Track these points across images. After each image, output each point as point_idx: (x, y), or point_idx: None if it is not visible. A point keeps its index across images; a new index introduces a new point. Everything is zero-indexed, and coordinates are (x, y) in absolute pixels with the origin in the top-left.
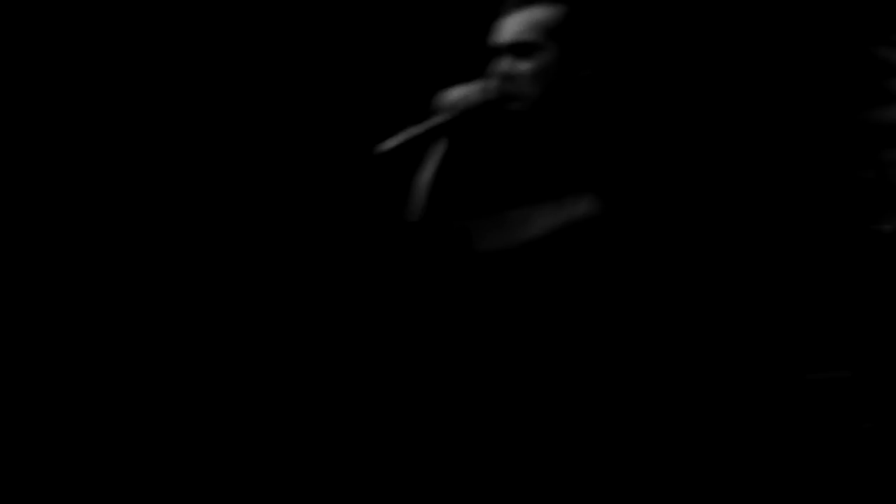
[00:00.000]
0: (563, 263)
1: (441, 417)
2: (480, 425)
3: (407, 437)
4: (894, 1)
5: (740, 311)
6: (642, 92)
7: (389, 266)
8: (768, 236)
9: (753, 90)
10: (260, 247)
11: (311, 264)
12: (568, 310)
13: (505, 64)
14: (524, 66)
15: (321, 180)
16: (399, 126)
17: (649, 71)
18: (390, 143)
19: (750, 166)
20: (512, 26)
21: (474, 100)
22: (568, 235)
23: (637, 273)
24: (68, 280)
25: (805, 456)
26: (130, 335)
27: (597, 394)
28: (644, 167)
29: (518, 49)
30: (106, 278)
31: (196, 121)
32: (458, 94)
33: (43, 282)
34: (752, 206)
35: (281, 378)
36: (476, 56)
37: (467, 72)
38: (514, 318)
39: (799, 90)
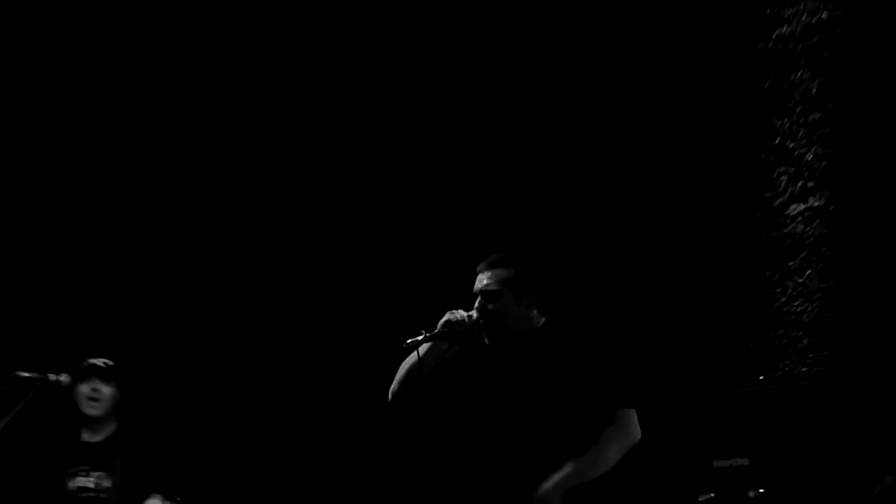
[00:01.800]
0: None
1: None
2: None
3: None
4: None
5: None
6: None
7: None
8: None
9: None
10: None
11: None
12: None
13: (480, 303)
14: (491, 304)
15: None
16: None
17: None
18: (414, 339)
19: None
20: (483, 280)
21: (466, 321)
22: None
23: None
24: None
25: None
26: None
27: None
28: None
29: (487, 294)
30: None
31: None
32: (458, 314)
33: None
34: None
35: None
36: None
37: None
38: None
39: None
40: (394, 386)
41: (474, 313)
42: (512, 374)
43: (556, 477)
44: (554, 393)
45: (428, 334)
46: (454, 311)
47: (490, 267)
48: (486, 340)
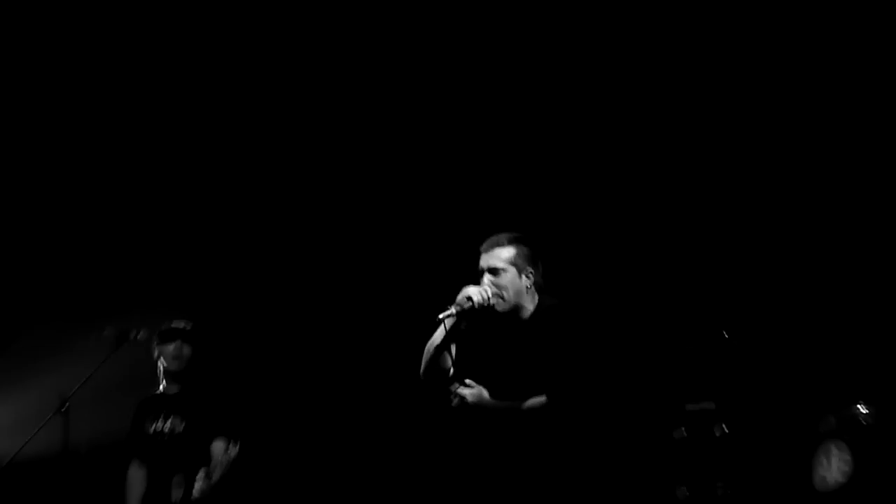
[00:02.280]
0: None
1: None
2: None
3: None
4: None
5: None
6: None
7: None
8: None
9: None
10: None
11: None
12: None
13: (487, 278)
14: (496, 279)
15: None
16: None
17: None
18: (447, 314)
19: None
20: (487, 258)
21: (480, 296)
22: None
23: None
24: None
25: None
26: None
27: None
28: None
29: (492, 271)
30: None
31: None
32: (472, 289)
33: None
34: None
35: None
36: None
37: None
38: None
39: None
40: (425, 362)
41: (487, 289)
42: (510, 350)
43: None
44: (537, 370)
45: (456, 310)
46: (469, 287)
47: (495, 246)
48: (496, 313)
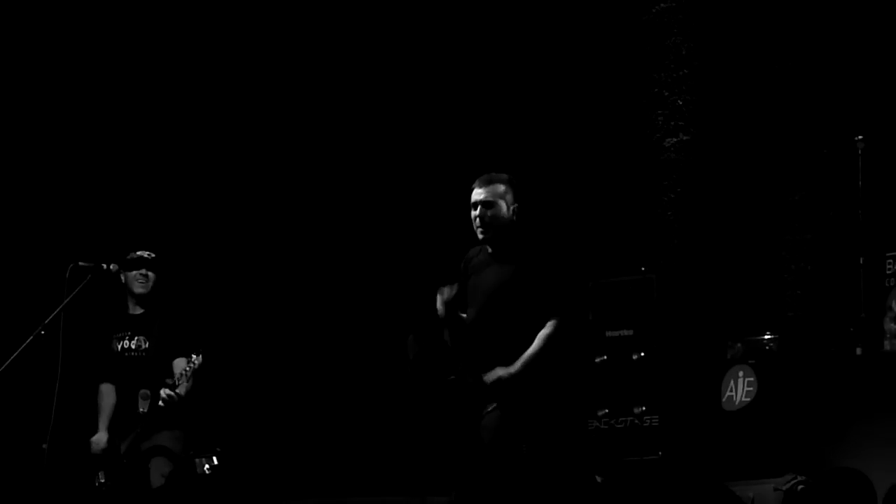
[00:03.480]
0: None
1: None
2: None
3: None
4: None
5: None
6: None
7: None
8: None
9: None
10: None
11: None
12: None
13: (480, 210)
14: (489, 211)
15: None
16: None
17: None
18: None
19: None
20: (479, 193)
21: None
22: None
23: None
24: None
25: None
26: None
27: None
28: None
29: (485, 203)
30: None
31: None
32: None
33: None
34: None
35: None
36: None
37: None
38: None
39: None
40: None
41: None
42: (493, 280)
43: (501, 371)
44: (515, 295)
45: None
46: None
47: (486, 183)
48: (483, 240)
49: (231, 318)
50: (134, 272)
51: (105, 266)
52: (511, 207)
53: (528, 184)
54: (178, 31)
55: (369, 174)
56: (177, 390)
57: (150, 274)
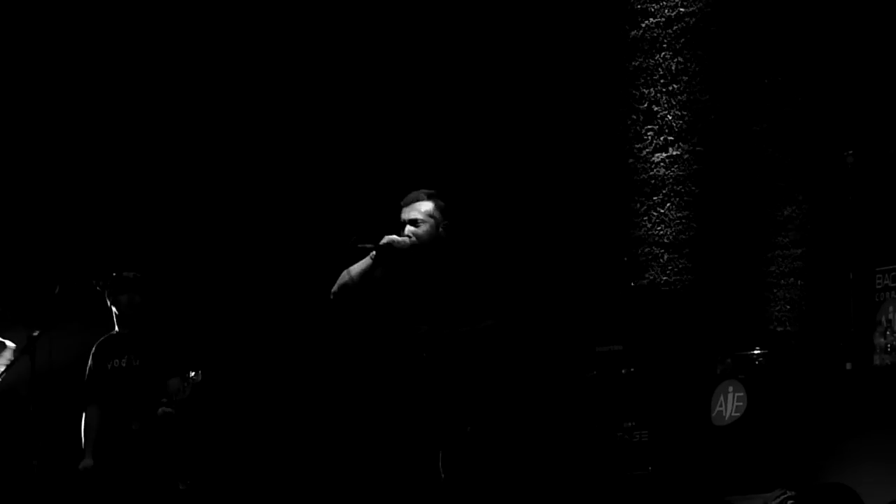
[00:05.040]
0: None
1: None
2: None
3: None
4: None
5: None
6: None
7: None
8: None
9: None
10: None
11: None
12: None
13: (408, 228)
14: (417, 229)
15: None
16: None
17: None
18: (364, 245)
19: None
20: (408, 211)
21: (400, 241)
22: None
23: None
24: None
25: None
26: None
27: None
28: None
29: (412, 221)
30: None
31: None
32: (392, 237)
33: None
34: None
35: None
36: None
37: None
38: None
39: None
40: (337, 287)
41: (407, 238)
42: (422, 289)
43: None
44: (445, 301)
45: (376, 246)
46: (391, 235)
47: (415, 201)
48: (413, 257)
49: (223, 334)
50: (122, 296)
51: (94, 283)
52: (441, 225)
53: (515, 197)
54: (168, 49)
55: (358, 193)
56: (175, 405)
57: (136, 297)
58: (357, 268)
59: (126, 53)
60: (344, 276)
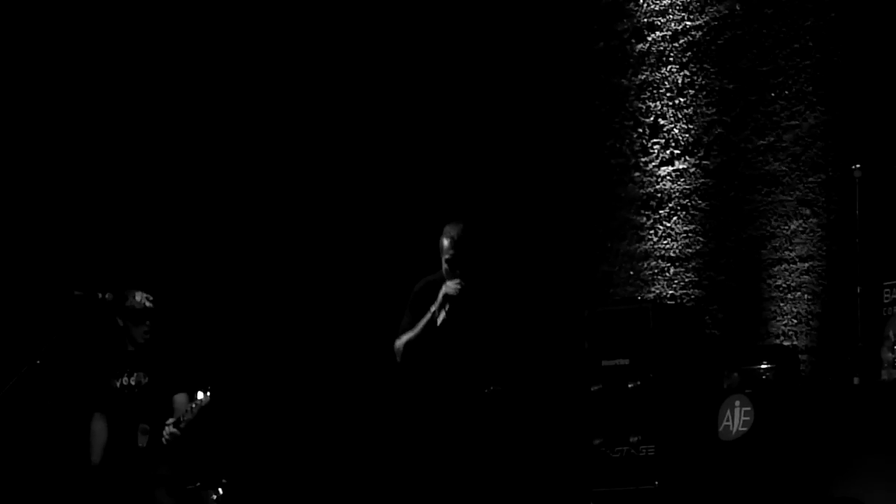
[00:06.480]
0: None
1: None
2: None
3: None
4: None
5: None
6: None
7: None
8: None
9: None
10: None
11: None
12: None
13: (451, 257)
14: (450, 253)
15: None
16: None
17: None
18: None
19: None
20: (445, 242)
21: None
22: None
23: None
24: None
25: None
26: None
27: None
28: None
29: (456, 251)
30: None
31: None
32: (450, 286)
33: None
34: None
35: None
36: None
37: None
38: None
39: None
40: (402, 347)
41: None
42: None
43: None
44: (477, 329)
45: (444, 310)
46: (446, 286)
47: (454, 232)
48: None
49: (231, 352)
50: (140, 326)
51: (101, 295)
52: (477, 255)
53: (522, 213)
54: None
55: (361, 197)
56: (181, 426)
57: (149, 323)
58: (420, 325)
59: (151, 72)
60: (403, 339)
